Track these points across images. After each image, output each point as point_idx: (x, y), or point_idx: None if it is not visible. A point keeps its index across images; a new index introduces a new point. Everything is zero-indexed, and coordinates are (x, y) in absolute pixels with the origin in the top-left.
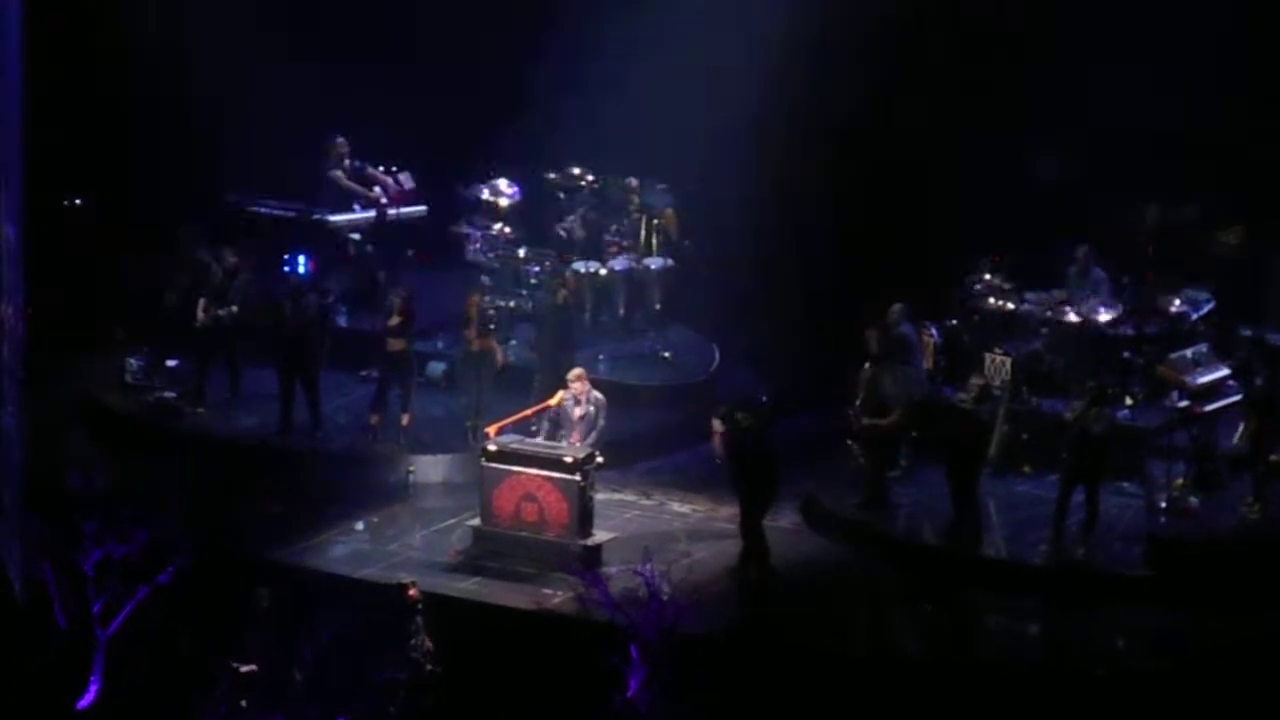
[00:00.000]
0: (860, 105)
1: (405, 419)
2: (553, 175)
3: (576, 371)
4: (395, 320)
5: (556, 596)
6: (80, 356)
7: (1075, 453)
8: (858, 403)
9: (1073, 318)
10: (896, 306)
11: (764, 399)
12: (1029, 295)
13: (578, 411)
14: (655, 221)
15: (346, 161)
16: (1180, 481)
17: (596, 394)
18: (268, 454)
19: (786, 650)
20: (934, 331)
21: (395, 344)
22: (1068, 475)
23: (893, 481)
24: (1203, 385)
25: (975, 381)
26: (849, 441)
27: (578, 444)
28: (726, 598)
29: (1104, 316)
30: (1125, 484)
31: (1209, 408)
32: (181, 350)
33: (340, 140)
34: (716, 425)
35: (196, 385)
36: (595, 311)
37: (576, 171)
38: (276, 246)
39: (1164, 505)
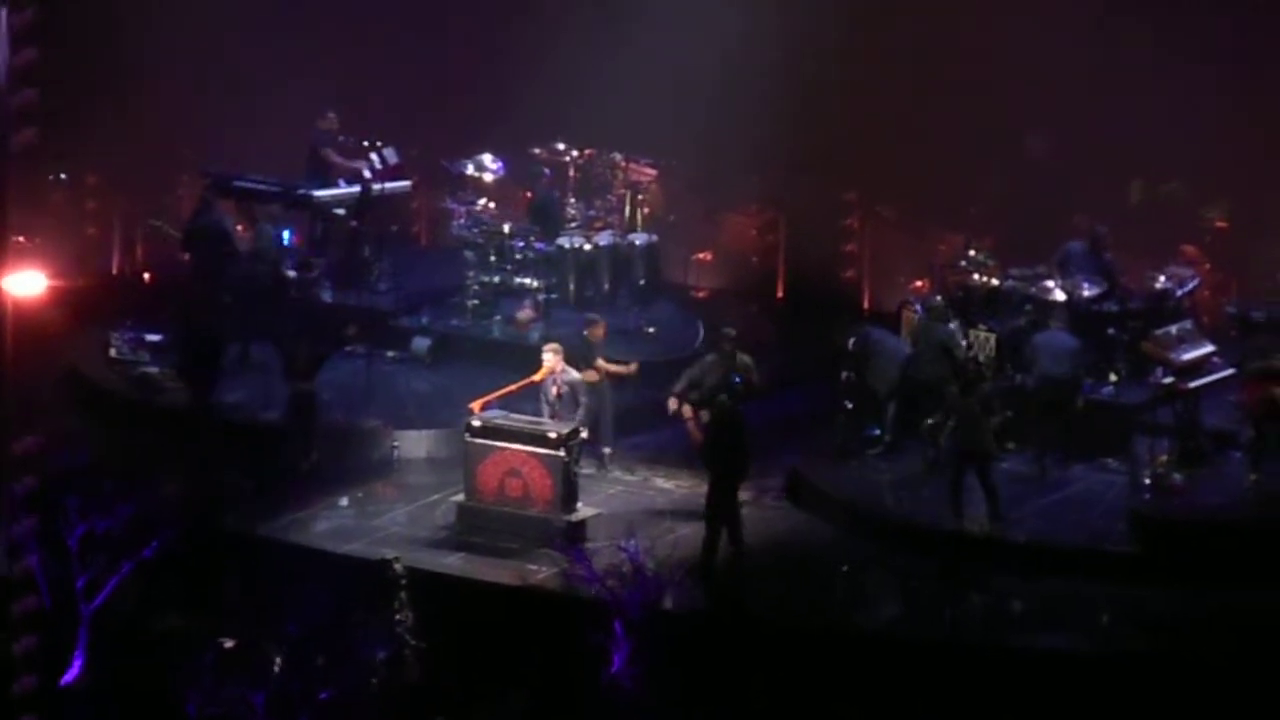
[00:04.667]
0: (847, 75)
1: None
2: (537, 150)
3: (552, 346)
4: None
5: (541, 572)
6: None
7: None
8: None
9: (1057, 295)
10: None
11: (736, 380)
12: (1013, 271)
13: (554, 390)
14: (639, 197)
15: (340, 138)
16: (1164, 458)
17: (572, 373)
18: (252, 429)
19: (768, 626)
20: (918, 308)
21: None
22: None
23: (875, 457)
24: (1187, 362)
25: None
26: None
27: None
28: (709, 574)
29: (1088, 293)
30: (1109, 460)
31: (1193, 384)
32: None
33: (331, 115)
34: (686, 411)
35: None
36: (580, 287)
37: (561, 147)
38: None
39: (1148, 482)
